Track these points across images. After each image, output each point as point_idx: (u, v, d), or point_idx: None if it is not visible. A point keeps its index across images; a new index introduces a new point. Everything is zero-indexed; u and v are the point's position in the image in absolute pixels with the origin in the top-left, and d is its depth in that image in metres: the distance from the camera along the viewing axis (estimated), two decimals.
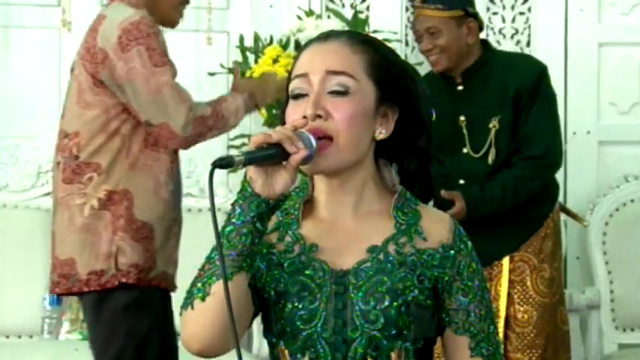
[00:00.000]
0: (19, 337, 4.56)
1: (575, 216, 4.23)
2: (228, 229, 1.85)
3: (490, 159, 3.80)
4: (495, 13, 5.06)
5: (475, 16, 3.87)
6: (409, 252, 1.93)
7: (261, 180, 1.83)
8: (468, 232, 2.01)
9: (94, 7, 4.88)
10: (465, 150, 3.83)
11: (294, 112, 1.92)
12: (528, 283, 3.84)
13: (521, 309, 3.82)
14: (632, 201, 4.79)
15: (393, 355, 1.89)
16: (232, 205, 1.87)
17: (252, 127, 4.87)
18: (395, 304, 1.88)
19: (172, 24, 3.46)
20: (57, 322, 4.50)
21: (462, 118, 3.83)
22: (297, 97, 1.93)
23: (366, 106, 1.93)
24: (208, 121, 3.31)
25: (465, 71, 3.84)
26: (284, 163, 1.83)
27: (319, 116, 1.89)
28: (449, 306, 1.95)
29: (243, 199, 1.85)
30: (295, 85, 1.93)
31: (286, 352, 1.92)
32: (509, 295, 3.83)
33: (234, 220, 1.85)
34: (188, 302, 1.86)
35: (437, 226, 1.97)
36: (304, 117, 1.89)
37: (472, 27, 3.83)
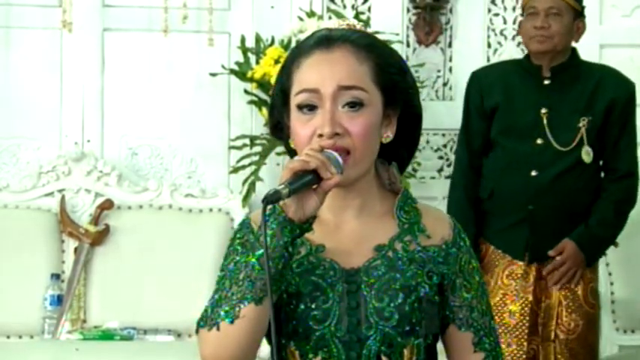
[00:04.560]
0: (20, 337, 4.56)
1: None
2: (259, 252, 1.84)
3: (584, 155, 3.84)
4: (497, 15, 5.06)
5: (584, 20, 3.96)
6: (416, 249, 1.96)
7: (294, 205, 1.84)
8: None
9: (94, 8, 4.90)
10: (539, 141, 3.86)
11: (306, 127, 1.92)
12: (579, 292, 3.86)
13: (569, 317, 3.83)
14: None
15: (406, 351, 1.92)
16: (261, 227, 1.85)
17: (254, 127, 4.88)
18: (408, 300, 1.91)
19: None
20: (57, 323, 4.50)
21: (544, 110, 3.86)
22: (306, 109, 1.93)
23: (377, 115, 1.94)
24: None
25: (555, 67, 3.90)
26: (314, 186, 1.85)
27: (337, 134, 1.90)
28: (452, 302, 1.98)
29: (277, 224, 1.84)
30: (304, 99, 1.92)
31: (297, 353, 1.92)
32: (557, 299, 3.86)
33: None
34: (213, 323, 1.87)
35: (438, 223, 2.01)
36: (320, 135, 1.89)
37: (581, 27, 3.94)
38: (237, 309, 1.84)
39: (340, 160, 1.88)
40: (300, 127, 1.93)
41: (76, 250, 4.65)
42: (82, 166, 4.80)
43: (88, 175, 4.79)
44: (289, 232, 1.84)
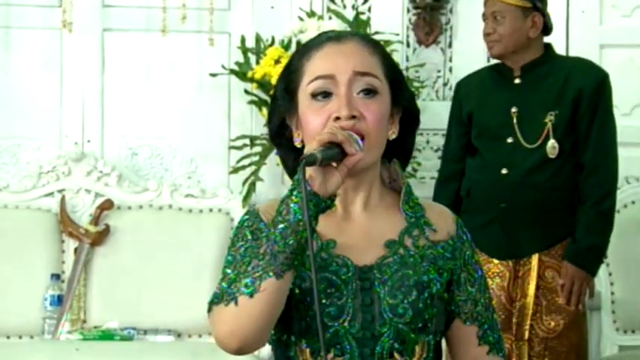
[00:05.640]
0: (20, 337, 4.55)
1: None
2: (281, 226, 1.83)
3: (549, 150, 3.82)
4: None
5: (543, 12, 3.91)
6: (425, 245, 1.98)
7: (319, 179, 1.84)
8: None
9: (94, 8, 4.90)
10: (509, 140, 3.87)
11: (320, 114, 1.93)
12: (558, 292, 3.83)
13: (549, 317, 3.82)
14: (633, 202, 4.79)
15: (418, 348, 1.93)
16: (283, 201, 1.85)
17: (254, 127, 4.87)
18: (422, 297, 1.93)
19: None
20: (57, 323, 4.50)
21: (514, 109, 3.87)
22: (320, 97, 1.94)
23: (387, 106, 1.98)
24: None
25: (525, 66, 3.90)
26: (334, 164, 1.85)
27: (353, 117, 1.91)
28: (457, 297, 2.01)
29: (301, 197, 1.82)
30: (319, 86, 1.94)
31: (307, 350, 1.92)
32: (537, 297, 3.83)
33: (288, 218, 1.82)
34: (231, 298, 1.84)
35: (442, 217, 2.04)
36: (337, 118, 1.91)
37: (537, 21, 3.89)
38: (257, 282, 1.82)
39: (360, 142, 1.89)
40: (313, 115, 1.94)
41: (76, 250, 4.65)
42: (82, 166, 4.80)
43: (88, 176, 4.79)
44: (314, 206, 1.83)
